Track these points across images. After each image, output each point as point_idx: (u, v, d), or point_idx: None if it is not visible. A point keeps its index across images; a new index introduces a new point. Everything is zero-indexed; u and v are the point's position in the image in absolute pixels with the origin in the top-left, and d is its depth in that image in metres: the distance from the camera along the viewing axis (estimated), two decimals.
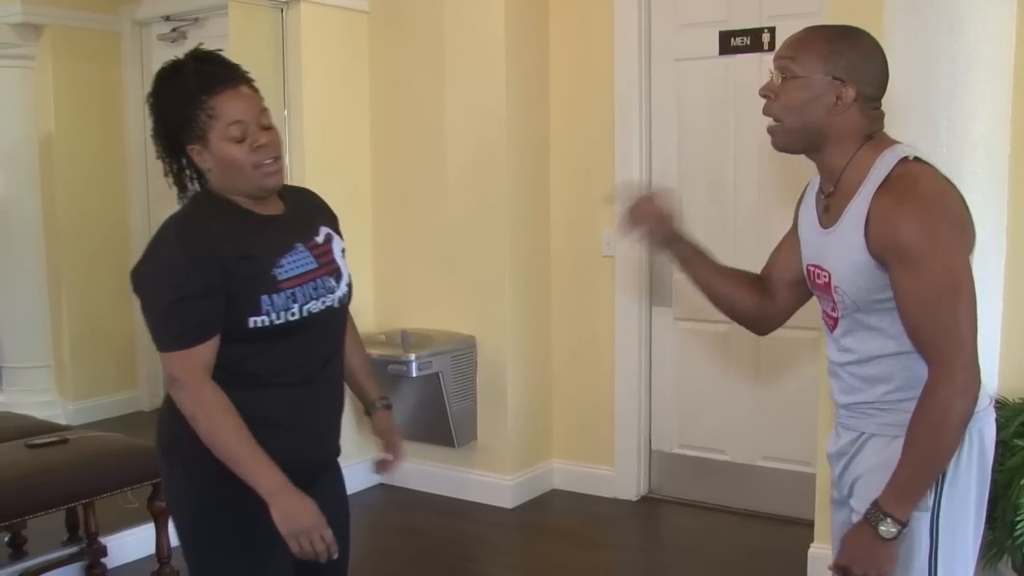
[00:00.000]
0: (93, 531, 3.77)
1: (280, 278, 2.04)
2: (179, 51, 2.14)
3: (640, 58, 4.54)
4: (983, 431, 1.99)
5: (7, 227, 5.50)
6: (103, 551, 3.81)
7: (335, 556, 2.02)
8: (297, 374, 2.09)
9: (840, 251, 1.96)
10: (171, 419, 2.08)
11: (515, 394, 4.69)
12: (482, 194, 4.62)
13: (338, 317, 2.18)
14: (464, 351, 4.65)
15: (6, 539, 3.80)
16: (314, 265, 2.11)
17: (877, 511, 1.89)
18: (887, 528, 1.88)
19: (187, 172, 2.11)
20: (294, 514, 1.96)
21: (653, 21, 4.54)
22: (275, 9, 4.57)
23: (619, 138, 4.58)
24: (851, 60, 1.94)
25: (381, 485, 4.98)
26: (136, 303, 2.03)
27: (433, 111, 4.73)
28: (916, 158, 1.94)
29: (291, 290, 2.04)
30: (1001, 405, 3.11)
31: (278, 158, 2.10)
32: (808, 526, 3.78)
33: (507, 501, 4.69)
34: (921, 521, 1.94)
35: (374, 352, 4.48)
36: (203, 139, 2.03)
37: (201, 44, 2.16)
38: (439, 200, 4.76)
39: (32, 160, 5.46)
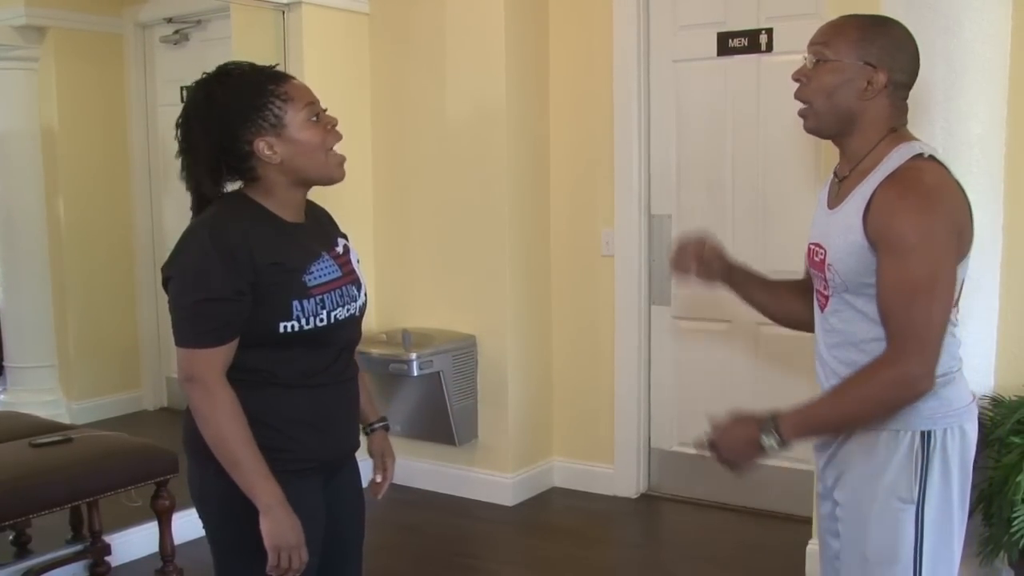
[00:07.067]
0: (97, 530, 3.81)
1: (310, 284, 2.07)
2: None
3: (639, 59, 4.56)
4: (964, 427, 2.03)
5: (11, 228, 5.51)
6: (107, 549, 3.84)
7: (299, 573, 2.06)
8: (324, 377, 2.14)
9: (839, 232, 2.01)
10: None
11: (515, 393, 4.72)
12: (482, 194, 4.64)
13: (357, 324, 2.24)
14: (465, 350, 4.67)
15: (10, 538, 3.81)
16: (339, 273, 2.15)
17: (772, 422, 1.95)
18: (769, 441, 1.95)
19: (224, 179, 2.09)
20: (284, 529, 2.01)
21: (652, 23, 4.56)
22: (276, 11, 4.59)
23: (618, 139, 4.61)
24: (884, 47, 1.98)
25: None
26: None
27: (434, 112, 4.75)
28: (931, 156, 1.98)
29: (320, 296, 2.08)
30: (997, 403, 3.13)
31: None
32: (806, 522, 3.80)
33: (507, 499, 4.71)
34: (907, 513, 1.98)
35: (375, 351, 4.51)
36: (277, 127, 2.03)
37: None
38: (440, 200, 4.78)
39: (36, 161, 5.46)
